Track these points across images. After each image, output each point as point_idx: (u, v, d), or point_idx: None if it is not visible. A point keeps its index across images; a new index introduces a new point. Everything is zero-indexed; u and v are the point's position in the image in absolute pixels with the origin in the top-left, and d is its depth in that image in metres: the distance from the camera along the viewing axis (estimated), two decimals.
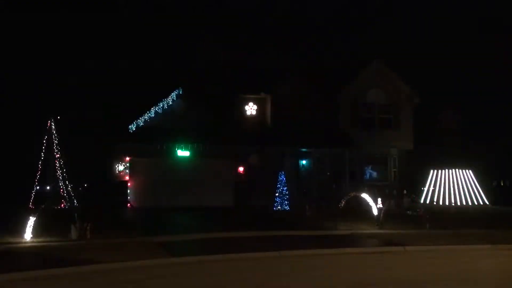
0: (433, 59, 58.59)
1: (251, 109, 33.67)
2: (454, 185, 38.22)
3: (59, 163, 29.47)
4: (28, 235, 17.09)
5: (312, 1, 65.83)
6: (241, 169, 32.33)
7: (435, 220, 22.89)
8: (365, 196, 22.87)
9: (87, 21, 47.43)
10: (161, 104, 31.89)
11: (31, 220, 17.23)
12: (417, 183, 40.20)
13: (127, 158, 30.66)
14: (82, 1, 47.30)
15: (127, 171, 30.77)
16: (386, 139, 35.08)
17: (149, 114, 31.40)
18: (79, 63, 42.78)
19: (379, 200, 27.76)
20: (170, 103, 32.09)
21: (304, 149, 33.06)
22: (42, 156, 29.30)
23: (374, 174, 35.73)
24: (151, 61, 43.24)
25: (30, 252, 15.11)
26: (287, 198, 30.15)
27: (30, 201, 28.33)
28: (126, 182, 30.54)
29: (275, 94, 33.56)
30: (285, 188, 30.17)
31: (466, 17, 67.96)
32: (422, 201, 37.76)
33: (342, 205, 22.34)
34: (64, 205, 28.46)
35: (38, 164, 29.27)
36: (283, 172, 30.60)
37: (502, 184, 46.77)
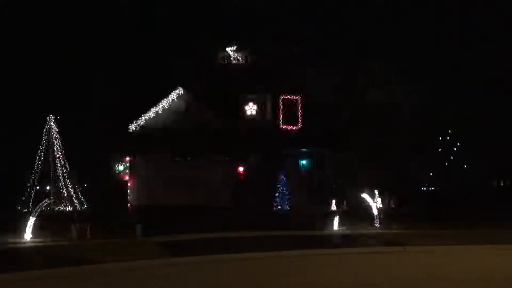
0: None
1: (251, 109, 33.54)
2: None
3: (59, 163, 29.46)
4: (28, 235, 17.07)
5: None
6: (241, 169, 32.26)
7: None
8: (365, 196, 22.88)
9: (86, 20, 47.44)
10: (161, 104, 31.85)
11: (31, 220, 17.22)
12: None
13: (127, 158, 30.65)
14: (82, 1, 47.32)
15: (127, 171, 30.77)
16: None
17: (149, 114, 31.38)
18: (79, 62, 42.67)
19: (379, 200, 27.72)
20: (170, 103, 32.07)
21: (304, 149, 32.96)
22: (42, 156, 29.28)
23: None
24: (152, 60, 43.14)
25: (30, 252, 15.12)
26: (286, 198, 30.11)
27: (30, 201, 28.30)
28: (126, 182, 30.54)
29: (277, 93, 33.43)
30: (284, 188, 30.13)
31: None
32: None
33: (343, 205, 22.37)
34: (64, 205, 28.46)
35: (38, 164, 29.25)
36: (283, 172, 30.54)
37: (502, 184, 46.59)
